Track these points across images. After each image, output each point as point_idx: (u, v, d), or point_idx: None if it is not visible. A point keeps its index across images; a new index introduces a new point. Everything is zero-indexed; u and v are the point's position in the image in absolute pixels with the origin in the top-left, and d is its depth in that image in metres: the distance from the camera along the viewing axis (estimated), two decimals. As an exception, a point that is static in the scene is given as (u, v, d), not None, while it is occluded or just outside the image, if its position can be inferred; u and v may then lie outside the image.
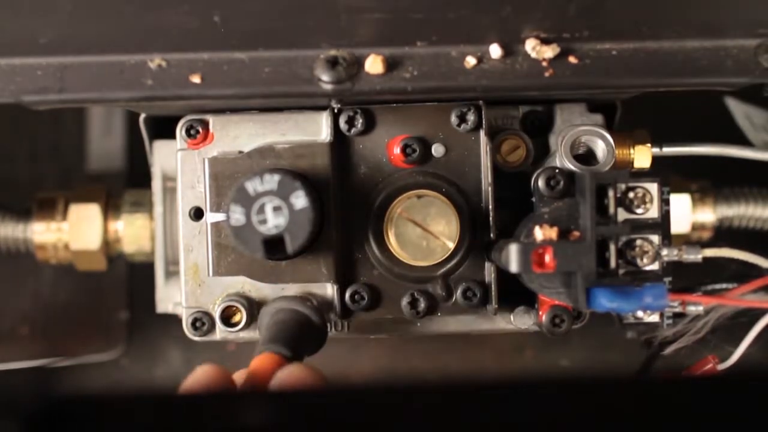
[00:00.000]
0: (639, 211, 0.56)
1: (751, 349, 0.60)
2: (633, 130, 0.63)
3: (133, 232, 0.71)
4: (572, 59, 0.57)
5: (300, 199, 0.55)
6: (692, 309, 0.62)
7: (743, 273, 0.61)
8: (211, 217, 0.60)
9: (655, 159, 0.63)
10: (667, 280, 0.60)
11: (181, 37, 0.56)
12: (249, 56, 0.57)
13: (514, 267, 0.51)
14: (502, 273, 0.58)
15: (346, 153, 0.61)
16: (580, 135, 0.59)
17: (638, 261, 0.54)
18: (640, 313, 0.62)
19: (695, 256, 0.59)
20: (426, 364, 0.87)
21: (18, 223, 0.74)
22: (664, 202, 0.58)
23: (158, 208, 0.69)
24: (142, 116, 0.65)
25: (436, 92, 0.58)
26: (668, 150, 0.64)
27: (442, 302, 0.60)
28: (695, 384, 0.48)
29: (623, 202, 0.55)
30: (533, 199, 0.57)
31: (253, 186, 0.56)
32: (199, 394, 0.47)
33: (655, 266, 0.54)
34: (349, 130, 0.60)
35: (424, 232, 0.58)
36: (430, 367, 0.86)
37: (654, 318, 0.62)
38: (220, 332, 0.61)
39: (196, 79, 0.56)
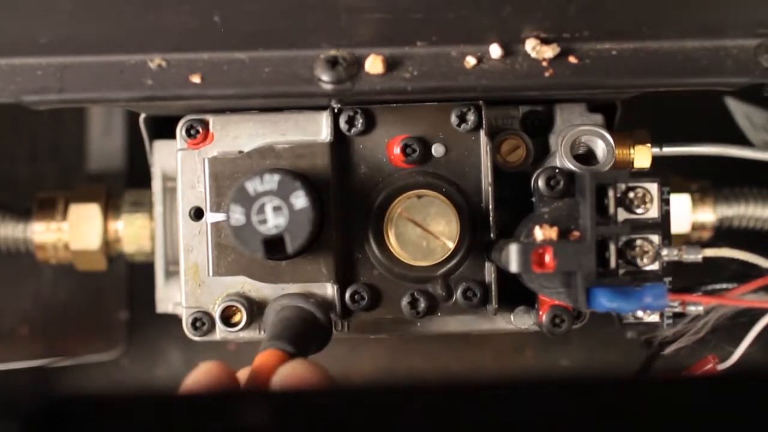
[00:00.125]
0: (639, 211, 0.56)
1: (751, 349, 0.60)
2: (633, 130, 0.63)
3: (133, 232, 0.71)
4: (572, 59, 0.57)
5: (300, 199, 0.55)
6: (692, 309, 0.62)
7: (743, 273, 0.61)
8: (211, 217, 0.60)
9: (655, 159, 0.63)
10: (667, 280, 0.60)
11: (181, 37, 0.56)
12: (249, 56, 0.57)
13: (514, 267, 0.51)
14: (502, 273, 0.58)
15: (346, 153, 0.61)
16: (580, 135, 0.59)
17: (638, 261, 0.54)
18: (640, 313, 0.62)
19: (695, 256, 0.59)
20: (426, 364, 0.87)
21: (18, 223, 0.74)
22: (664, 202, 0.58)
23: (158, 208, 0.69)
24: (142, 116, 0.65)
25: (436, 92, 0.58)
26: (668, 150, 0.64)
27: (442, 302, 0.60)
28: (695, 384, 0.48)
29: (623, 202, 0.55)
30: (533, 199, 0.57)
31: (253, 186, 0.56)
32: (199, 395, 0.47)
33: (655, 266, 0.54)
34: (349, 130, 0.60)
35: (424, 232, 0.58)
36: (430, 367, 0.86)
37: (654, 318, 0.62)
38: (220, 332, 0.61)
39: (196, 79, 0.56)
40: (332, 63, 0.56)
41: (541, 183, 0.55)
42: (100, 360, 0.85)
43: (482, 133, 0.60)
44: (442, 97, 0.59)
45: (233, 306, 0.61)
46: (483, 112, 0.60)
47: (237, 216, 0.55)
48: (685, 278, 0.62)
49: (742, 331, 0.61)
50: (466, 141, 0.60)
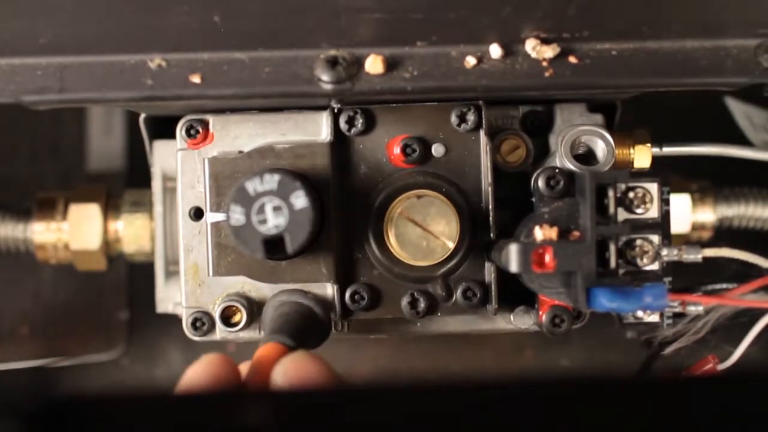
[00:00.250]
0: (639, 211, 0.56)
1: (751, 349, 0.60)
2: (633, 130, 0.63)
3: (133, 232, 0.71)
4: (572, 59, 0.57)
5: (300, 199, 0.55)
6: (692, 309, 0.62)
7: (743, 273, 0.61)
8: (211, 217, 0.60)
9: (655, 159, 0.63)
10: (667, 280, 0.60)
11: (181, 37, 0.56)
12: (249, 56, 0.57)
13: (514, 267, 0.51)
14: (502, 273, 0.58)
15: (346, 153, 0.61)
16: (580, 135, 0.59)
17: (638, 261, 0.54)
18: (640, 313, 0.62)
19: (695, 256, 0.59)
20: (426, 364, 0.86)
21: (18, 223, 0.74)
22: (664, 202, 0.58)
23: (158, 208, 0.69)
24: (142, 116, 0.65)
25: (436, 92, 0.58)
26: (668, 150, 0.64)
27: (442, 302, 0.60)
28: (695, 384, 0.48)
29: (623, 202, 0.55)
30: (533, 199, 0.57)
31: (253, 186, 0.56)
32: (199, 395, 0.47)
33: (655, 266, 0.54)
34: (349, 130, 0.60)
35: (424, 232, 0.58)
36: (430, 367, 0.86)
37: (654, 318, 0.62)
38: (220, 332, 0.61)
39: (196, 79, 0.56)
40: (332, 63, 0.56)
41: (541, 183, 0.55)
42: (100, 360, 0.85)
43: (482, 133, 0.60)
44: (442, 97, 0.59)
45: (233, 306, 0.61)
46: (483, 112, 0.60)
47: (237, 216, 0.55)
48: (685, 278, 0.62)
49: (742, 331, 0.61)
50: (466, 141, 0.60)
